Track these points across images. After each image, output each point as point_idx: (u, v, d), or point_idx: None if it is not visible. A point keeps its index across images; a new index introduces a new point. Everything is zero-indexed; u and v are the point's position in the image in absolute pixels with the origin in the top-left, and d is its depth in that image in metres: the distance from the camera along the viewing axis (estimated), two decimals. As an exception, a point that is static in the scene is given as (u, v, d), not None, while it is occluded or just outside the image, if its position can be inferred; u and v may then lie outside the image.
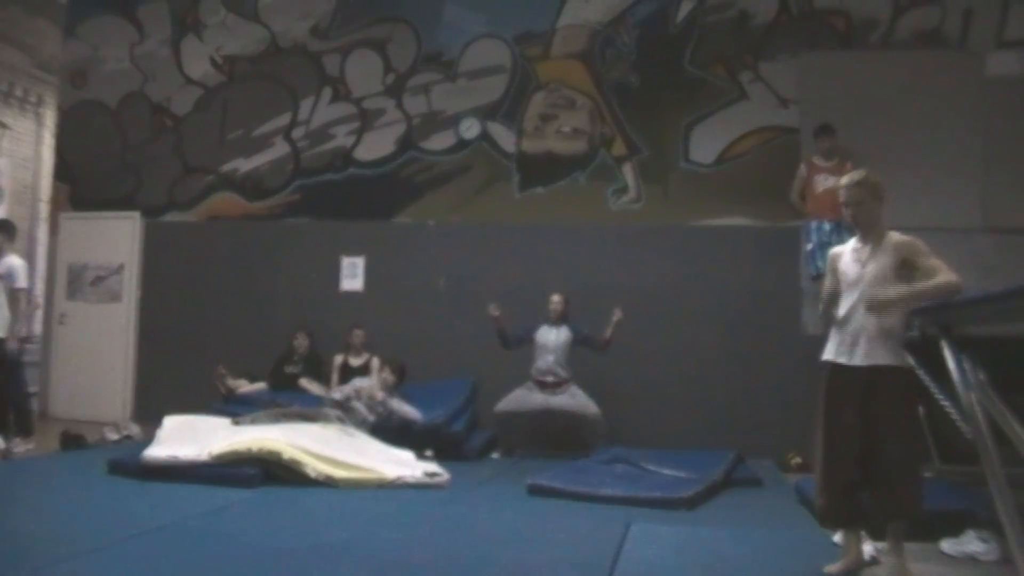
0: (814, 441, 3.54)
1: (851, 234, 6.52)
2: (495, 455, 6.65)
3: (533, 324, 6.76)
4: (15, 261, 6.36)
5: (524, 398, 6.64)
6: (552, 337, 6.66)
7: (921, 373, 3.83)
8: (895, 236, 3.44)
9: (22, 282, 6.28)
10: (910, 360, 3.46)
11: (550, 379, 6.60)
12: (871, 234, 3.50)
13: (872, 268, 3.44)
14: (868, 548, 3.55)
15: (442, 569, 3.51)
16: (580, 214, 7.50)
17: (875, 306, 3.37)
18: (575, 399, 6.55)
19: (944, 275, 3.28)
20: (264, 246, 8.12)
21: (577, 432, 6.62)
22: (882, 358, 3.39)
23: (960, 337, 3.41)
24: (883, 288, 3.37)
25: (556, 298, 6.76)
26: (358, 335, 7.34)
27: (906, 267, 3.38)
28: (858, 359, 3.42)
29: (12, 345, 6.15)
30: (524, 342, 6.76)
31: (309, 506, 4.61)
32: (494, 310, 6.65)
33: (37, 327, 9.14)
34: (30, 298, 6.30)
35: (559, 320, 6.72)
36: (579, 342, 6.67)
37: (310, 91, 8.18)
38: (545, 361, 6.61)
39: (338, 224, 7.99)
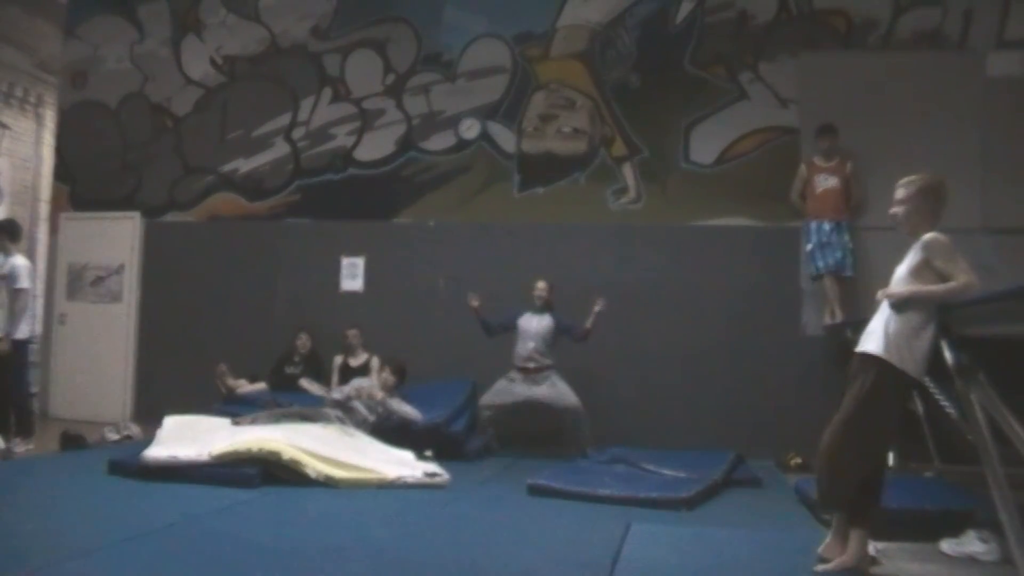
0: None
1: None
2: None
3: (516, 311, 6.79)
4: (19, 261, 6.35)
5: (506, 389, 6.69)
6: (535, 324, 6.70)
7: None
8: (925, 236, 3.41)
9: (23, 283, 6.27)
10: (906, 362, 3.36)
11: (531, 365, 6.64)
12: (911, 235, 3.51)
13: (902, 266, 3.49)
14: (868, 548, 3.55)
15: (442, 569, 3.50)
16: (580, 214, 7.51)
17: (881, 300, 3.47)
18: (555, 389, 6.58)
19: (956, 279, 3.27)
20: (264, 246, 8.12)
21: (559, 425, 6.64)
22: (868, 345, 3.45)
23: (960, 337, 3.41)
24: (898, 285, 3.44)
25: (541, 284, 6.80)
26: (353, 335, 7.35)
27: (929, 267, 3.37)
28: (859, 346, 3.52)
29: (2, 346, 6.10)
30: (507, 328, 6.80)
31: (309, 506, 4.60)
32: (473, 300, 6.71)
33: (38, 327, 9.15)
34: (22, 297, 6.23)
35: (543, 307, 6.75)
36: (561, 331, 6.69)
37: (310, 91, 8.19)
38: (526, 347, 6.65)
39: (338, 224, 8.00)
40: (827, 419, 3.61)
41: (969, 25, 7.01)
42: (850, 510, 3.50)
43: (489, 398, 6.72)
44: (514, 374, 6.71)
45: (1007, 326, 3.08)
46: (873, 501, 3.49)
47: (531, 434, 6.81)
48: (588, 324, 6.55)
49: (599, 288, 6.96)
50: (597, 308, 6.50)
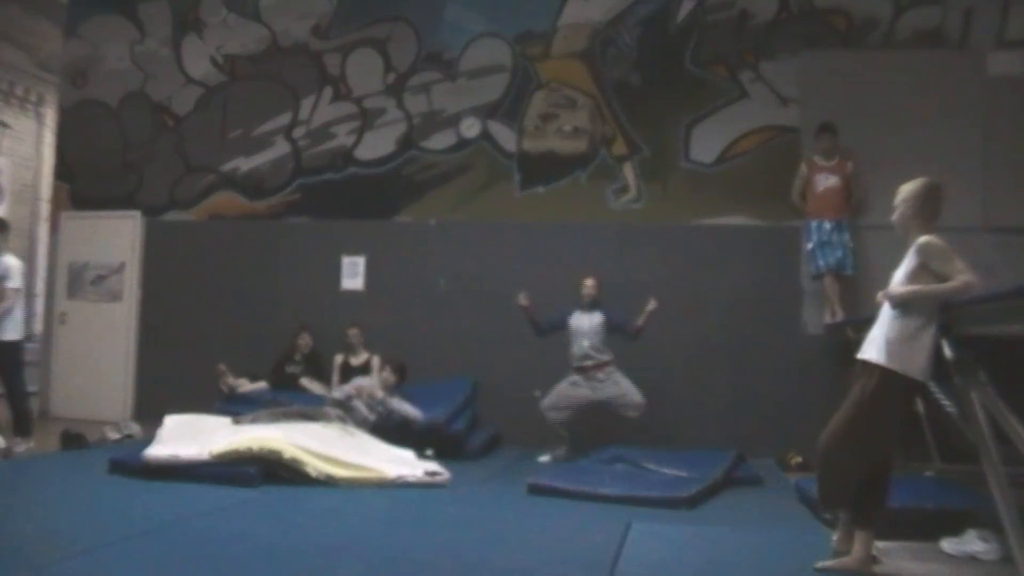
0: None
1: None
2: (544, 458, 6.46)
3: (566, 310, 6.66)
4: (11, 261, 6.25)
5: (568, 393, 6.52)
6: (586, 321, 6.55)
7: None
8: (920, 240, 3.42)
9: (15, 282, 6.20)
10: (909, 366, 3.37)
11: (588, 363, 6.48)
12: (907, 238, 3.52)
13: (899, 271, 3.50)
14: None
15: (442, 568, 3.51)
16: (581, 213, 7.50)
17: (882, 301, 3.49)
18: (619, 387, 6.43)
19: (955, 279, 3.28)
20: (264, 246, 8.12)
21: (613, 424, 6.50)
22: (869, 353, 3.46)
23: (960, 336, 3.41)
24: (895, 287, 3.45)
25: (589, 282, 6.65)
26: (354, 334, 7.35)
27: (926, 270, 3.37)
28: (860, 352, 3.53)
29: None
30: (557, 328, 6.65)
31: (310, 505, 4.60)
32: (523, 299, 6.57)
33: (38, 327, 9.15)
34: (11, 297, 6.16)
35: (592, 305, 6.62)
36: (613, 327, 6.55)
37: (311, 90, 8.18)
38: (580, 347, 6.51)
39: (338, 223, 8.00)
40: (828, 418, 3.62)
41: (969, 24, 7.01)
42: (854, 511, 3.50)
43: (552, 401, 6.53)
44: (574, 376, 6.54)
45: (1008, 325, 3.08)
46: (878, 503, 3.49)
47: (596, 434, 6.61)
48: (640, 322, 6.42)
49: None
50: (650, 307, 6.38)
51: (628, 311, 6.55)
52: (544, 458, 6.46)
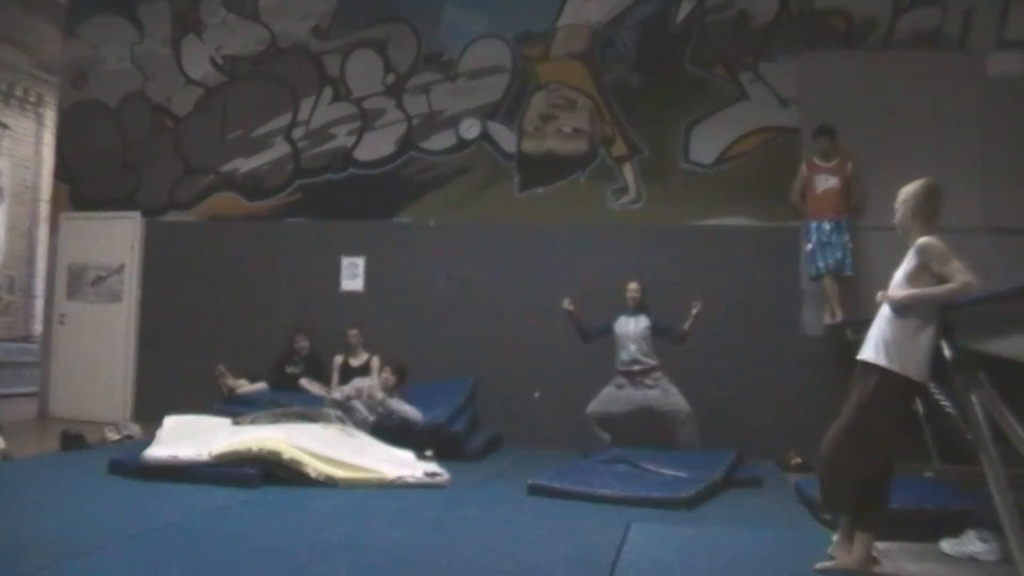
0: None
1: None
2: (607, 436, 6.39)
3: (612, 315, 6.60)
4: None
5: (614, 396, 6.47)
6: (632, 326, 6.51)
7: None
8: (919, 241, 3.42)
9: None
10: (908, 366, 3.37)
11: (636, 368, 6.43)
12: (907, 239, 3.52)
13: (899, 272, 3.50)
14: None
15: (442, 569, 3.51)
16: (580, 214, 7.50)
17: (881, 302, 3.49)
18: (666, 395, 6.38)
19: (954, 280, 3.28)
20: (264, 246, 8.12)
21: (663, 431, 6.43)
22: (868, 353, 3.47)
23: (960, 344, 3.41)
24: (895, 290, 3.45)
25: (633, 286, 6.61)
26: (354, 334, 7.35)
27: (926, 271, 3.38)
28: (860, 353, 3.53)
29: None
30: (603, 334, 6.60)
31: (310, 506, 4.60)
32: (568, 305, 6.51)
33: (37, 328, 9.15)
34: None
35: (637, 309, 6.57)
36: (659, 331, 6.51)
37: (310, 91, 8.18)
38: (628, 352, 6.46)
39: (338, 224, 8.00)
40: (828, 418, 3.63)
41: (969, 25, 7.00)
42: (855, 513, 3.50)
43: (598, 406, 6.45)
44: (621, 380, 6.48)
45: (1007, 338, 3.06)
46: (879, 505, 3.49)
47: (644, 439, 6.47)
48: (686, 326, 6.38)
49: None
50: (695, 310, 6.35)
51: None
52: (606, 436, 6.39)
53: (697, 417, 6.38)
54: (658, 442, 6.34)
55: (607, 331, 6.58)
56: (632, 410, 6.43)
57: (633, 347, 6.44)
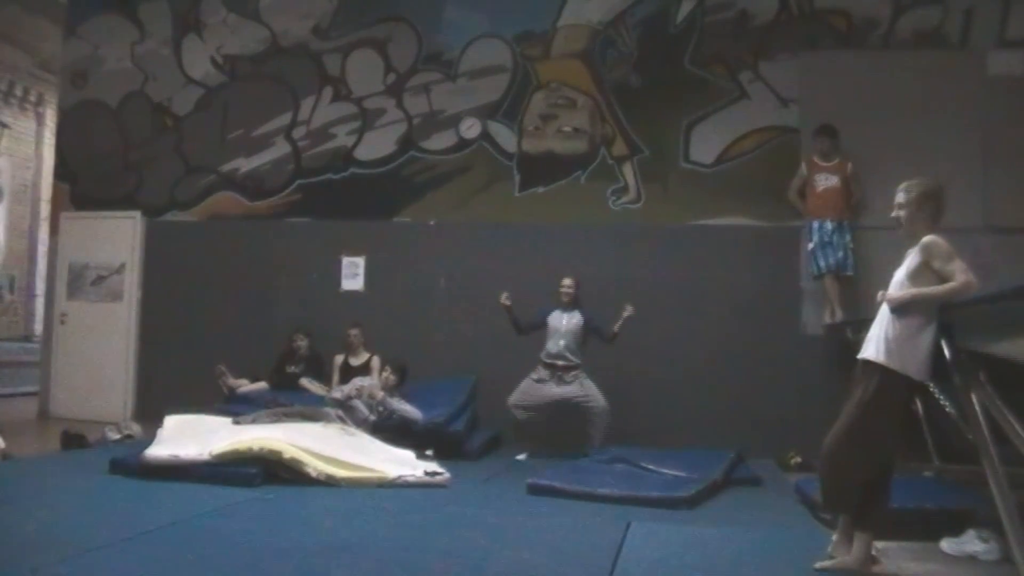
0: None
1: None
2: (522, 456, 6.49)
3: (545, 308, 6.73)
4: None
5: (534, 390, 6.58)
6: (564, 321, 6.61)
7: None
8: (924, 239, 3.42)
9: None
10: (908, 365, 3.36)
11: (560, 363, 6.55)
12: (910, 237, 3.52)
13: (901, 269, 3.50)
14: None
15: (442, 569, 3.51)
16: (580, 214, 7.50)
17: (882, 301, 3.49)
18: (584, 389, 6.50)
19: (955, 279, 3.28)
20: (264, 246, 8.12)
21: (582, 425, 6.56)
22: (870, 353, 3.46)
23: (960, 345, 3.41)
24: (897, 289, 3.45)
25: (567, 281, 6.69)
26: (354, 334, 7.35)
27: (928, 269, 3.38)
28: (860, 352, 3.54)
29: None
30: (537, 327, 6.70)
31: (310, 505, 4.60)
32: (505, 299, 6.62)
33: (38, 327, 9.16)
34: None
35: (571, 304, 6.67)
36: (591, 329, 6.62)
37: (311, 91, 8.18)
38: (556, 345, 6.57)
39: (338, 224, 8.00)
40: (827, 418, 3.62)
41: (969, 24, 7.01)
42: (855, 513, 3.50)
43: (518, 398, 6.59)
44: (542, 372, 6.60)
45: (1007, 340, 3.06)
46: (879, 505, 3.49)
47: (558, 434, 6.68)
48: (615, 328, 6.47)
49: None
50: (626, 313, 6.42)
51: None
52: (521, 456, 6.50)
53: (611, 416, 6.49)
54: (572, 440, 6.50)
55: (541, 324, 6.70)
56: (548, 404, 6.56)
57: (562, 342, 6.57)
